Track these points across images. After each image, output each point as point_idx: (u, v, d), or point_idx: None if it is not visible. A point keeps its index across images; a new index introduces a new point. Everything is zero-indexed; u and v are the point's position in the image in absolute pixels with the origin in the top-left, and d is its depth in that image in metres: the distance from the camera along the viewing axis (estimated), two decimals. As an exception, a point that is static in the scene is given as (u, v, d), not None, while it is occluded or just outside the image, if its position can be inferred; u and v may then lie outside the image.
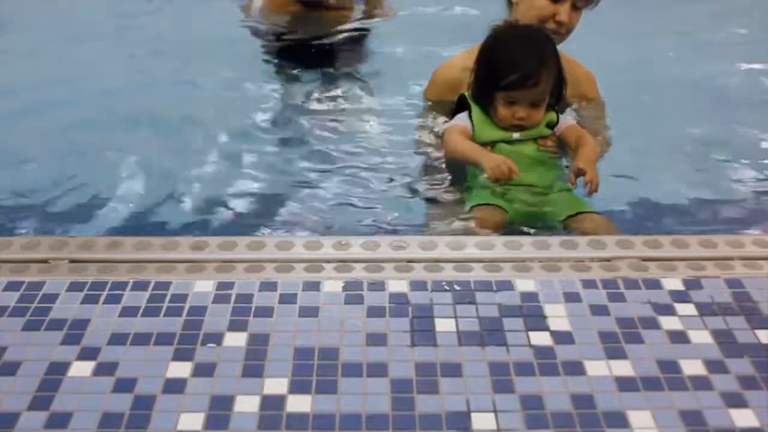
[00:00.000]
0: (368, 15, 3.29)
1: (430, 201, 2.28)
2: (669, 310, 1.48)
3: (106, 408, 1.26)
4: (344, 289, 1.53)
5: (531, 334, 1.42)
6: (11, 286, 1.54)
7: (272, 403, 1.27)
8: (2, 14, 3.78)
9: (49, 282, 1.55)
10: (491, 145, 2.23)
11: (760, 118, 2.88)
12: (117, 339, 1.40)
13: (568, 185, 2.18)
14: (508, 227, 2.10)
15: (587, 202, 2.17)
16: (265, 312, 1.47)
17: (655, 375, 1.33)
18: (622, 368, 1.34)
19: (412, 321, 1.45)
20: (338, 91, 2.99)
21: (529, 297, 1.51)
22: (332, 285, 1.54)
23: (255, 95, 2.99)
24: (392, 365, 1.35)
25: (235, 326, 1.43)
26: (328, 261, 1.62)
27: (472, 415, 1.25)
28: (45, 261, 1.62)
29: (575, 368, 1.34)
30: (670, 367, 1.35)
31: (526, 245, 1.67)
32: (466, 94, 2.30)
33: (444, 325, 1.44)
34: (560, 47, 2.30)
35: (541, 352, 1.38)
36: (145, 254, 1.64)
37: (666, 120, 2.82)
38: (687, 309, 1.48)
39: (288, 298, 1.50)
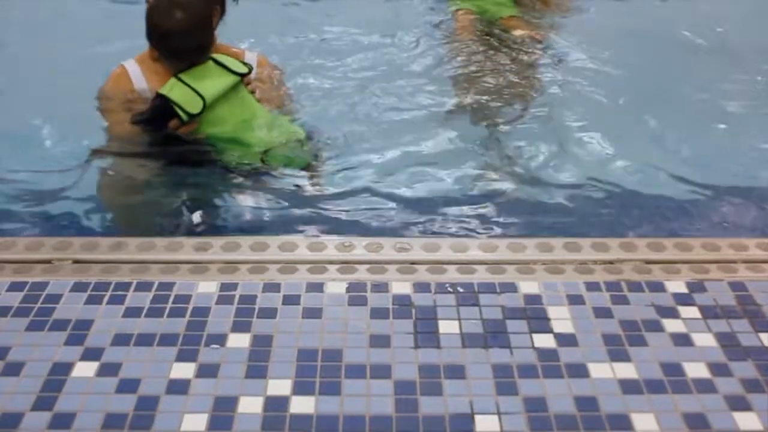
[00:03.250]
0: None
1: None
2: (672, 313, 1.48)
3: (110, 408, 1.26)
4: (348, 290, 1.53)
5: (534, 336, 1.42)
6: (15, 287, 1.54)
7: (276, 404, 1.27)
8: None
9: (53, 282, 1.55)
10: None
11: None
12: (120, 340, 1.41)
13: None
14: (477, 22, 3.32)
15: (517, 10, 3.40)
16: (269, 313, 1.47)
17: (659, 378, 1.33)
18: (626, 371, 1.34)
19: (416, 323, 1.45)
20: None
21: (533, 299, 1.51)
22: (335, 286, 1.54)
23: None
24: (396, 367, 1.35)
25: (239, 327, 1.43)
26: (331, 262, 1.62)
27: (476, 417, 1.25)
28: (48, 261, 1.62)
29: (579, 370, 1.34)
30: (673, 369, 1.35)
31: (530, 247, 1.67)
32: None
33: (447, 327, 1.44)
34: None
35: (545, 354, 1.38)
36: (149, 255, 1.64)
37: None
38: (690, 312, 1.48)
39: (291, 300, 1.50)
